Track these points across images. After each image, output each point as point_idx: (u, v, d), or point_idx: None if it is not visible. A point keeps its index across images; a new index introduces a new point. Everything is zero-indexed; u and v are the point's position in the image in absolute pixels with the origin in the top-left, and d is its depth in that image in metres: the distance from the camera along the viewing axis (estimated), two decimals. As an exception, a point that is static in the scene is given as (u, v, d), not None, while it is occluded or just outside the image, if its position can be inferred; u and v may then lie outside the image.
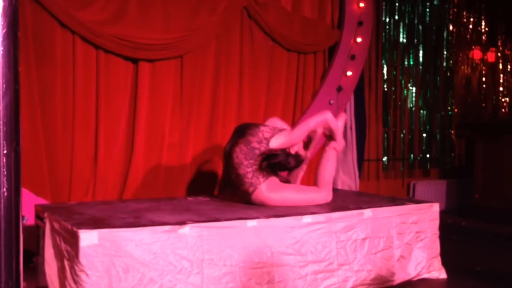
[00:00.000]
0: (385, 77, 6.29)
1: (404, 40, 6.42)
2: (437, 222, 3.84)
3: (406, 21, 6.42)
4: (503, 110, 7.08)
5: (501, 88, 7.09)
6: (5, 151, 1.23)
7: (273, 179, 3.72)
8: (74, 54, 4.22)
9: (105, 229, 2.79)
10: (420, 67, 6.57)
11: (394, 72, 6.37)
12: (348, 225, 3.45)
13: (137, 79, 4.46)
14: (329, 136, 3.94)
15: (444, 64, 6.75)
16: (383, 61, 6.26)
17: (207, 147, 4.83)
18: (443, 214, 4.64)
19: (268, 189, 3.64)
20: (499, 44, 7.08)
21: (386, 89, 6.31)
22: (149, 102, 4.51)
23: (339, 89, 5.46)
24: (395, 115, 6.40)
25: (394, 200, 4.08)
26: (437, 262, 3.83)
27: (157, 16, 4.46)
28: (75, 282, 2.72)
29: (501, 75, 7.09)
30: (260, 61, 5.08)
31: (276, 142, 3.67)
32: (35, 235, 3.54)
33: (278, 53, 5.18)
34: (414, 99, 6.54)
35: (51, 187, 4.19)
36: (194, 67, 4.70)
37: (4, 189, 1.23)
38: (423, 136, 6.63)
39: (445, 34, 6.72)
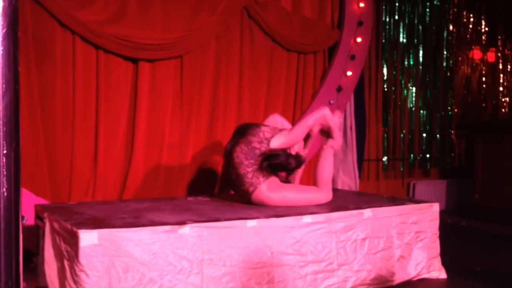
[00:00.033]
0: (385, 77, 6.29)
1: (404, 40, 6.42)
2: (437, 222, 3.84)
3: (406, 21, 6.42)
4: (503, 110, 7.08)
5: (501, 88, 7.09)
6: (5, 151, 1.23)
7: (273, 179, 3.72)
8: (74, 54, 4.22)
9: (105, 229, 2.79)
10: (420, 67, 6.57)
11: (394, 72, 6.37)
12: (348, 225, 3.45)
13: (137, 79, 4.46)
14: (327, 133, 3.93)
15: (444, 64, 6.75)
16: (383, 61, 6.26)
17: (207, 147, 4.83)
18: (443, 214, 4.64)
19: (268, 189, 3.64)
20: (499, 44, 7.08)
21: (386, 89, 6.31)
22: (149, 102, 4.51)
23: (339, 89, 5.46)
24: (395, 115, 6.40)
25: (394, 200, 4.08)
26: (437, 262, 3.83)
27: (157, 16, 4.46)
28: (75, 282, 2.72)
29: (501, 75, 7.09)
30: (260, 61, 5.08)
31: (276, 142, 3.67)
32: (35, 235, 3.54)
33: (278, 53, 5.18)
34: (414, 99, 6.54)
35: (51, 187, 4.19)
36: (194, 67, 4.70)
37: (4, 189, 1.23)
38: (423, 136, 6.63)
39: (445, 34, 6.72)
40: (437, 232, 3.84)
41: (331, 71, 5.46)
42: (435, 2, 6.62)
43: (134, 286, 2.79)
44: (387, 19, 6.28)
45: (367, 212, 3.55)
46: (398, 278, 3.61)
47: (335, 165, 5.62)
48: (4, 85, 1.23)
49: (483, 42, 7.09)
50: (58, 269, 2.98)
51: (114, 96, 4.41)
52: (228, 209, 3.54)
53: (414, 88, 6.53)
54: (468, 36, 6.99)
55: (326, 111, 3.86)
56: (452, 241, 4.95)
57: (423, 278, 3.74)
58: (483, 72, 7.13)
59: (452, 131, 6.84)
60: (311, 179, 4.81)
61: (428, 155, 6.66)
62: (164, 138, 4.58)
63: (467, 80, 7.05)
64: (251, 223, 3.15)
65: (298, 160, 3.81)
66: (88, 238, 2.71)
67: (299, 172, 4.05)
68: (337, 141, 3.91)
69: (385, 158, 6.32)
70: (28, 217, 3.68)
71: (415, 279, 3.70)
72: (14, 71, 1.26)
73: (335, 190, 4.16)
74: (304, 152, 3.96)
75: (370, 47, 5.85)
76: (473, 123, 6.94)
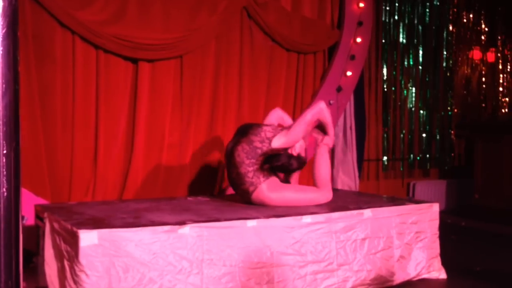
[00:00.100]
0: (385, 77, 6.29)
1: (404, 40, 6.42)
2: (437, 222, 3.84)
3: (406, 21, 6.42)
4: (502, 110, 7.08)
5: (500, 88, 7.09)
6: (4, 151, 1.23)
7: (274, 179, 3.72)
8: (74, 54, 4.23)
9: (105, 229, 2.79)
10: (420, 67, 6.57)
11: (394, 72, 6.37)
12: (348, 225, 3.45)
13: (137, 79, 4.46)
14: (322, 129, 3.92)
15: (444, 64, 6.74)
16: (383, 61, 6.26)
17: (207, 147, 4.83)
18: (442, 214, 4.63)
19: (268, 189, 3.64)
20: (498, 44, 7.08)
21: (386, 89, 6.31)
22: (149, 102, 4.51)
23: (339, 89, 5.46)
24: (395, 115, 6.40)
25: (394, 200, 4.08)
26: (437, 262, 3.83)
27: (157, 16, 4.46)
28: (75, 282, 2.72)
29: (501, 75, 7.09)
30: (260, 61, 5.08)
31: (278, 142, 3.68)
32: (35, 235, 3.54)
33: (278, 53, 5.18)
34: (414, 99, 6.54)
35: (51, 187, 4.19)
36: (194, 67, 4.70)
37: (4, 189, 1.23)
38: (422, 136, 6.63)
39: (445, 34, 6.72)
40: (437, 232, 3.84)
41: (331, 71, 5.46)
42: (435, 2, 6.62)
43: (134, 286, 2.79)
44: (387, 19, 6.28)
45: (367, 212, 3.55)
46: (398, 278, 3.61)
47: (335, 165, 5.63)
48: (4, 85, 1.23)
49: (483, 42, 7.09)
50: (58, 269, 2.98)
51: (114, 96, 4.41)
52: (228, 209, 3.54)
53: (414, 88, 6.53)
54: (467, 36, 6.99)
55: (322, 104, 3.85)
56: (452, 241, 4.95)
57: (423, 278, 3.74)
58: (483, 72, 7.13)
59: (452, 131, 6.84)
60: (311, 179, 4.81)
61: (428, 155, 6.66)
62: (164, 138, 4.58)
63: (467, 80, 7.05)
64: (251, 223, 3.15)
65: (300, 161, 3.81)
66: (88, 238, 2.71)
67: (297, 172, 4.04)
68: (331, 137, 3.91)
69: (385, 158, 6.32)
70: (28, 217, 3.68)
71: (415, 279, 3.70)
72: (14, 71, 1.26)
73: (335, 190, 4.16)
74: (306, 154, 3.94)
75: (370, 47, 5.85)
76: (473, 123, 6.94)
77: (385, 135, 6.32)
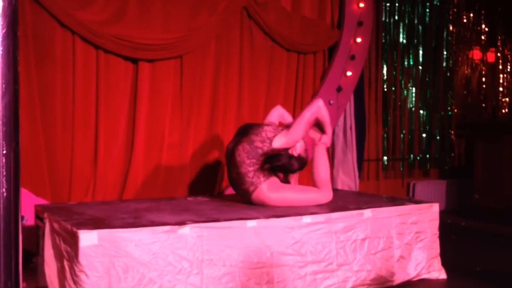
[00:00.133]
0: (385, 77, 6.29)
1: (404, 40, 6.42)
2: (437, 222, 3.84)
3: (406, 21, 6.42)
4: (503, 110, 7.08)
5: (501, 88, 7.09)
6: (4, 151, 1.23)
7: (274, 179, 3.72)
8: (74, 54, 4.23)
9: (105, 230, 2.79)
10: (420, 67, 6.56)
11: (394, 72, 6.37)
12: (347, 225, 3.45)
13: (137, 79, 4.46)
14: (319, 127, 3.91)
15: (444, 64, 6.74)
16: (383, 61, 6.26)
17: (207, 147, 4.83)
18: (442, 214, 4.64)
19: (269, 189, 3.64)
20: (499, 44, 7.07)
21: (386, 89, 6.31)
22: (149, 102, 4.51)
23: (339, 89, 5.46)
24: (395, 115, 6.40)
25: (393, 200, 4.08)
26: (437, 262, 3.83)
27: (157, 16, 4.46)
28: (75, 282, 2.72)
29: (501, 75, 7.09)
30: (259, 61, 5.08)
31: (278, 142, 3.68)
32: (35, 235, 3.54)
33: (277, 53, 5.18)
34: (414, 99, 6.54)
35: (51, 187, 4.19)
36: (194, 67, 4.70)
37: (4, 190, 1.23)
38: (422, 136, 6.63)
39: (445, 34, 6.72)
40: (437, 232, 3.83)
41: (331, 71, 5.46)
42: (435, 2, 6.61)
43: (133, 286, 2.79)
44: (387, 19, 6.28)
45: (367, 213, 3.55)
46: (398, 279, 3.61)
47: (335, 165, 5.63)
48: (3, 85, 1.23)
49: (483, 42, 7.09)
50: (58, 269, 2.98)
51: (114, 96, 4.41)
52: (227, 209, 3.54)
53: (414, 88, 6.53)
54: (468, 36, 6.99)
55: (320, 102, 3.86)
56: (452, 241, 4.95)
57: (423, 279, 3.74)
58: (483, 72, 7.13)
59: (452, 131, 6.83)
60: (311, 178, 4.80)
61: (428, 155, 6.66)
62: (164, 138, 4.58)
63: (467, 80, 7.05)
64: (250, 223, 3.15)
65: (301, 162, 3.81)
66: (88, 238, 2.71)
67: (297, 172, 4.04)
68: (329, 135, 3.91)
69: (385, 158, 6.32)
70: (28, 217, 3.68)
71: (415, 279, 3.70)
72: (14, 71, 1.25)
73: (335, 190, 4.15)
74: (306, 155, 3.94)
75: (370, 47, 5.84)
76: (473, 123, 6.94)
77: (385, 135, 6.32)
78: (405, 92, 6.48)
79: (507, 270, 4.08)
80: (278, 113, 4.07)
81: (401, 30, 6.38)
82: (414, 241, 3.71)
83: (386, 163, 6.33)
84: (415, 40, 6.50)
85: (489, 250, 4.75)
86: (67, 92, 4.24)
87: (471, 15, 6.99)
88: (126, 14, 4.34)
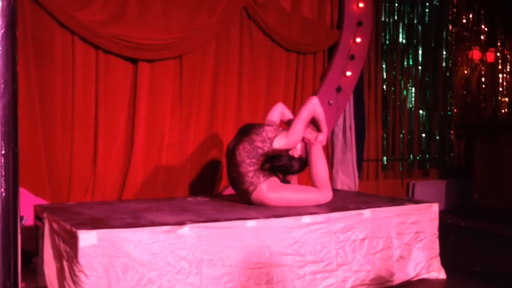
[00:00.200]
0: (385, 77, 6.29)
1: (404, 41, 6.42)
2: (436, 222, 3.84)
3: (406, 21, 6.42)
4: (502, 110, 7.08)
5: (500, 88, 7.09)
6: (3, 152, 1.23)
7: (274, 180, 3.72)
8: (74, 55, 4.22)
9: (104, 230, 2.79)
10: (420, 67, 6.56)
11: (394, 72, 6.37)
12: (347, 225, 3.45)
13: (137, 79, 4.46)
14: (315, 125, 3.90)
15: (444, 64, 6.74)
16: (383, 61, 6.26)
17: (206, 147, 4.82)
18: (442, 214, 4.63)
19: (268, 189, 3.64)
20: (498, 44, 7.08)
21: (385, 89, 6.31)
22: (148, 102, 4.51)
23: (339, 89, 5.45)
24: (394, 115, 6.40)
25: (393, 200, 4.08)
26: (437, 262, 3.83)
27: (156, 16, 4.46)
28: (74, 282, 2.72)
29: (501, 75, 7.09)
30: (259, 61, 5.08)
31: (279, 143, 3.68)
32: (34, 235, 3.54)
33: (277, 53, 5.18)
34: (413, 99, 6.54)
35: (50, 188, 4.19)
36: (193, 67, 4.70)
37: (2, 190, 1.23)
38: (422, 136, 6.63)
39: (444, 35, 6.72)
40: (437, 232, 3.84)
41: (330, 71, 5.46)
42: (434, 2, 6.61)
43: (133, 286, 2.79)
44: (387, 19, 6.28)
45: (367, 213, 3.55)
46: (398, 279, 3.61)
47: (335, 165, 5.63)
48: (2, 85, 1.23)
49: (483, 42, 7.09)
50: (57, 269, 2.98)
51: (114, 96, 4.41)
52: (227, 210, 3.54)
53: (413, 88, 6.53)
54: (467, 36, 6.99)
55: (315, 99, 3.86)
56: (452, 241, 4.95)
57: (423, 279, 3.74)
58: (483, 72, 7.13)
59: (452, 131, 6.84)
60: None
61: (427, 155, 6.66)
62: (163, 138, 4.58)
63: (467, 80, 7.05)
64: (250, 223, 3.15)
65: (301, 163, 3.81)
66: (87, 238, 2.71)
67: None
68: (325, 133, 3.90)
69: (384, 158, 6.32)
70: (27, 217, 3.67)
71: (414, 279, 3.70)
72: (13, 71, 1.25)
73: (334, 190, 4.15)
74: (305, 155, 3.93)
75: (369, 47, 5.85)
76: (473, 123, 6.94)
77: (384, 135, 6.32)
78: (405, 92, 6.48)
79: (506, 270, 4.08)
80: (279, 111, 4.07)
81: (400, 30, 6.38)
82: (413, 241, 3.71)
83: (385, 163, 6.33)
84: (415, 40, 6.51)
85: (488, 250, 4.75)
86: (66, 92, 4.24)
87: (471, 15, 6.99)
88: (126, 14, 4.34)
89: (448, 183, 6.72)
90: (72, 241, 2.77)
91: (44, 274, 3.05)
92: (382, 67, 6.26)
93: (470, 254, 4.56)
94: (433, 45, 6.64)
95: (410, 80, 6.51)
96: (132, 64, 4.48)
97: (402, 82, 6.45)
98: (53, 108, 4.20)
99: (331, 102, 5.40)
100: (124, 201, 4.02)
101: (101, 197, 4.32)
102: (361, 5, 5.53)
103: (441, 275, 3.82)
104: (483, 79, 7.13)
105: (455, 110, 6.89)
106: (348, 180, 5.68)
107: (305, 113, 3.77)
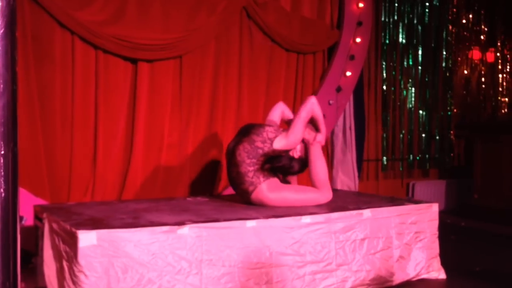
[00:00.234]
0: (385, 77, 6.29)
1: (404, 41, 6.42)
2: (436, 222, 3.84)
3: (406, 21, 6.42)
4: (502, 110, 7.07)
5: (500, 89, 7.09)
6: (2, 152, 1.23)
7: (274, 180, 3.72)
8: (73, 55, 4.22)
9: (104, 230, 2.79)
10: (420, 68, 6.56)
11: (394, 73, 6.37)
12: (347, 225, 3.45)
13: (136, 80, 4.46)
14: (314, 125, 3.90)
15: (444, 64, 6.74)
16: (383, 62, 6.26)
17: (206, 147, 4.82)
18: (442, 214, 4.63)
19: (268, 189, 3.64)
20: (498, 44, 7.07)
21: (385, 90, 6.31)
22: (148, 102, 4.51)
23: (339, 89, 5.45)
24: (394, 115, 6.40)
25: (393, 200, 4.08)
26: (436, 262, 3.83)
27: (156, 16, 4.46)
28: (74, 282, 2.72)
29: (500, 75, 7.09)
30: (259, 61, 5.08)
31: (279, 144, 3.68)
32: (33, 235, 3.54)
33: (277, 53, 5.18)
34: (413, 99, 6.54)
35: (50, 188, 4.19)
36: (193, 67, 4.70)
37: (2, 190, 1.23)
38: (422, 136, 6.63)
39: (444, 35, 6.72)
40: (436, 232, 3.83)
41: (330, 71, 5.45)
42: (434, 2, 6.61)
43: (133, 286, 2.78)
44: (387, 19, 6.28)
45: (367, 213, 3.55)
46: (397, 279, 3.61)
47: (335, 165, 5.63)
48: (2, 86, 1.23)
49: (482, 43, 7.09)
50: (57, 269, 2.98)
51: (113, 96, 4.41)
52: (227, 210, 3.54)
53: (413, 89, 6.53)
54: (467, 36, 6.99)
55: (313, 99, 3.86)
56: (452, 241, 4.95)
57: (423, 279, 3.74)
58: (482, 72, 7.13)
59: (451, 131, 6.83)
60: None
61: (427, 155, 6.66)
62: (163, 138, 4.58)
63: (466, 80, 7.05)
64: (250, 223, 3.15)
65: (302, 164, 3.81)
66: (87, 238, 2.71)
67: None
68: (323, 133, 3.89)
69: (384, 158, 6.32)
70: (27, 217, 3.67)
71: (414, 279, 3.70)
72: (12, 71, 1.25)
73: (334, 191, 4.15)
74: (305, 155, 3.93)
75: (369, 47, 5.84)
76: (472, 123, 6.94)
77: (384, 135, 6.32)
78: (405, 92, 6.48)
79: (506, 270, 4.08)
80: (280, 110, 4.07)
81: (400, 30, 6.38)
82: (413, 241, 3.71)
83: (385, 163, 6.33)
84: (415, 40, 6.51)
85: (488, 250, 4.75)
86: (66, 92, 4.24)
87: (471, 15, 6.99)
88: (125, 14, 4.34)
89: (448, 183, 6.72)
90: (72, 241, 2.76)
91: (44, 274, 3.05)
92: (382, 67, 6.26)
93: (470, 254, 4.56)
94: (433, 45, 6.63)
95: (410, 80, 6.51)
96: (132, 64, 4.47)
97: (402, 82, 6.44)
98: (53, 108, 4.20)
99: (331, 102, 5.40)
100: (124, 201, 4.02)
101: (101, 197, 4.32)
102: (361, 5, 5.53)
103: (441, 275, 3.82)
104: (483, 79, 7.13)
105: (455, 110, 6.89)
106: (348, 180, 5.67)
107: (304, 113, 3.77)
